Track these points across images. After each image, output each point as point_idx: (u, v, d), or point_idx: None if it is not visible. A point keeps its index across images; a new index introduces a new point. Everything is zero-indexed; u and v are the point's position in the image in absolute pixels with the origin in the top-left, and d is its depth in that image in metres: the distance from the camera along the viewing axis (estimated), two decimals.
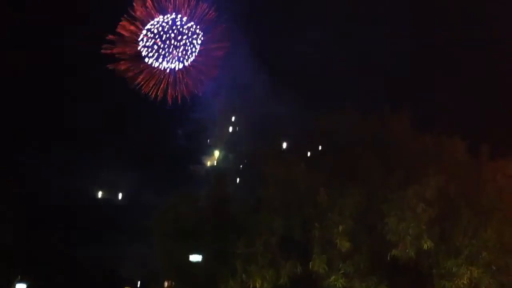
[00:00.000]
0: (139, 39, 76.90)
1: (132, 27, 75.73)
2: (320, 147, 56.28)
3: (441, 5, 72.64)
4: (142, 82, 75.63)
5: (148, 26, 76.20)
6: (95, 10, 77.89)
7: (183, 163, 72.47)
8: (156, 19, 76.30)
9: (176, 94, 75.82)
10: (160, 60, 75.73)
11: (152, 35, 75.97)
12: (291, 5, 75.85)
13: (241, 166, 67.04)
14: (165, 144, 72.89)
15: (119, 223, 66.04)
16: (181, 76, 75.23)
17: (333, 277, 45.45)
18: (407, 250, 44.01)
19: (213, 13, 74.91)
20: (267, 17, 74.68)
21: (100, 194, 68.51)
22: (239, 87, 73.98)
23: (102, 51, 73.36)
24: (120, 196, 69.01)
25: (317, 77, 73.42)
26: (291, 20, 74.61)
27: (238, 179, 64.92)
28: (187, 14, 75.20)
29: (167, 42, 75.40)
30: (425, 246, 43.86)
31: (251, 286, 46.49)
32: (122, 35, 75.70)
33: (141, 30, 76.54)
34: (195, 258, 48.68)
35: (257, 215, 50.11)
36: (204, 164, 73.52)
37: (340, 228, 44.90)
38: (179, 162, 71.98)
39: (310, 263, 45.36)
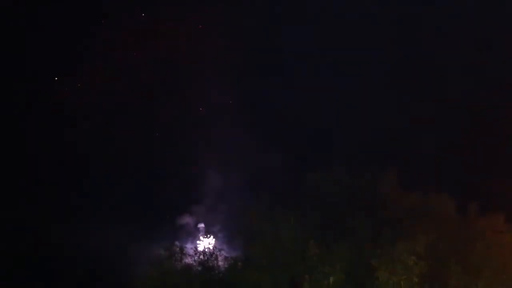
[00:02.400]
0: None
1: None
2: (308, 204, 56.17)
3: (427, 61, 74.36)
4: None
5: None
6: None
7: (172, 215, 72.12)
8: None
9: None
10: None
11: None
12: (283, 65, 77.37)
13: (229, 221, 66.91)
14: (154, 196, 72.68)
15: (105, 276, 65.01)
16: None
17: None
18: None
19: None
20: (256, 71, 75.75)
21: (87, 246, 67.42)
22: (229, 142, 74.31)
23: None
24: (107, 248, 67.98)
25: (306, 134, 74.29)
26: (279, 76, 75.75)
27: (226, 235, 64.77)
28: None
29: None
30: None
31: None
32: None
33: None
34: None
35: (245, 273, 49.70)
36: (193, 216, 73.08)
37: (331, 280, 44.34)
38: (167, 214, 71.63)
39: None
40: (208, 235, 56.86)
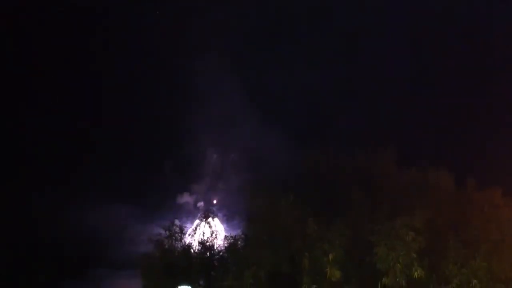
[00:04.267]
0: None
1: None
2: (307, 182, 56.22)
3: (427, 41, 74.47)
4: None
5: None
6: None
7: (172, 194, 72.55)
8: None
9: None
10: None
11: None
12: (282, 45, 77.64)
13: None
14: (154, 176, 73.02)
15: (106, 256, 65.49)
16: None
17: None
18: (397, 279, 43.62)
19: None
20: (259, 55, 75.91)
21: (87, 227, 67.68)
22: (228, 121, 74.45)
23: None
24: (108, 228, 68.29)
25: (306, 113, 74.38)
26: (282, 59, 75.92)
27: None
28: None
29: None
30: (416, 274, 43.51)
31: None
32: None
33: None
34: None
35: (244, 250, 49.99)
36: (193, 195, 73.35)
37: (330, 256, 44.48)
38: (167, 193, 72.05)
39: None
40: (212, 216, 56.79)
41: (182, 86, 77.81)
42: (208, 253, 52.11)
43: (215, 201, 70.45)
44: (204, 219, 53.35)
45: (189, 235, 52.77)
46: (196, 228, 54.15)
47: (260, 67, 76.45)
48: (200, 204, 69.97)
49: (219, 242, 53.11)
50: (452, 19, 74.69)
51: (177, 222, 54.69)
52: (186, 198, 72.87)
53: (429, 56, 75.22)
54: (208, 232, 52.94)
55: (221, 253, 52.09)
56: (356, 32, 78.26)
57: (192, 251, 51.79)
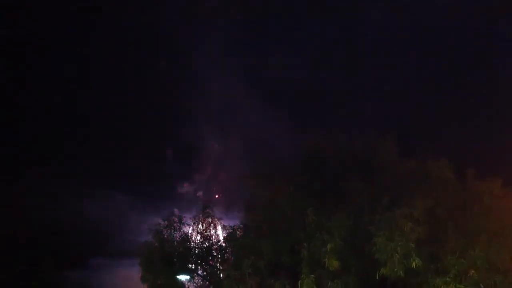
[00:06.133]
0: None
1: None
2: (306, 172, 56.15)
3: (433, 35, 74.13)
4: None
5: None
6: None
7: (171, 183, 72.74)
8: None
9: None
10: None
11: None
12: (284, 30, 77.34)
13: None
14: (153, 164, 73.12)
15: (105, 245, 65.78)
16: None
17: None
18: (395, 269, 43.68)
19: None
20: (260, 40, 75.71)
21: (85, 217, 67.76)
22: (229, 109, 74.43)
23: None
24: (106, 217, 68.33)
25: (304, 101, 74.30)
26: (284, 44, 75.64)
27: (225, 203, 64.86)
28: None
29: None
30: (414, 265, 43.55)
31: None
32: None
33: None
34: (184, 277, 48.92)
35: (243, 240, 50.10)
36: (193, 184, 73.44)
37: (329, 246, 44.53)
38: (167, 181, 72.29)
39: (299, 282, 44.98)
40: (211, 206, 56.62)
41: (182, 74, 77.72)
42: (206, 243, 52.35)
43: (214, 190, 70.86)
44: (202, 210, 53.24)
45: (188, 225, 52.92)
46: (195, 219, 54.20)
47: (262, 53, 76.30)
48: (200, 193, 70.29)
49: (218, 231, 53.33)
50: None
51: (176, 211, 55.00)
52: (186, 188, 73.04)
53: (431, 47, 75.14)
54: (207, 222, 53.05)
55: (219, 243, 52.35)
56: (359, 20, 78.23)
57: (191, 241, 52.06)
